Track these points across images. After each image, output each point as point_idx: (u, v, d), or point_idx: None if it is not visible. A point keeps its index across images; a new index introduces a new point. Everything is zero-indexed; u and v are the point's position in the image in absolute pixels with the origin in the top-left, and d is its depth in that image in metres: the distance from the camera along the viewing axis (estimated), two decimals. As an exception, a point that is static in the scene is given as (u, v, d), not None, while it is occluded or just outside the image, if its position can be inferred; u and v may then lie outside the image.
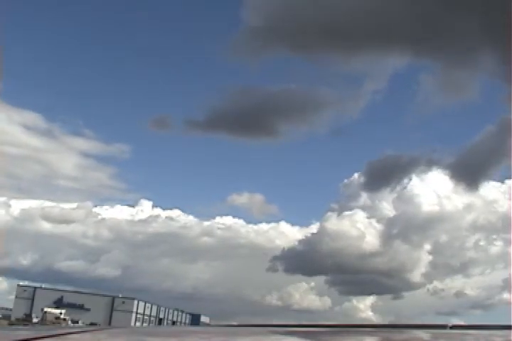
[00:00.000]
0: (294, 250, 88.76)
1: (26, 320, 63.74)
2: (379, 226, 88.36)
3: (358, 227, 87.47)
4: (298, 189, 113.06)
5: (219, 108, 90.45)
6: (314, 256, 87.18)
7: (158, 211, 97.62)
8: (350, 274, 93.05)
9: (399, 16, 64.53)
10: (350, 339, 2.68)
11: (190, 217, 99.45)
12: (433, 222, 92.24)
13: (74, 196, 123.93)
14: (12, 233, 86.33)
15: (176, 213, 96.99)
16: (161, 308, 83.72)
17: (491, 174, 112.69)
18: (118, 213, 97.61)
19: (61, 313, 61.88)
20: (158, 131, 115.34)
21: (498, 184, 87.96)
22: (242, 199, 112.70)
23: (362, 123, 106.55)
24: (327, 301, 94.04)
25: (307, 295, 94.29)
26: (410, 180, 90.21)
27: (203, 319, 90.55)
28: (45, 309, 63.13)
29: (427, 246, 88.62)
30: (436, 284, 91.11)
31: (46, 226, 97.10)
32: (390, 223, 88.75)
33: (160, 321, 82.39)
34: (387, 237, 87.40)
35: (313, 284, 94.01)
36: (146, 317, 78.55)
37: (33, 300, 75.01)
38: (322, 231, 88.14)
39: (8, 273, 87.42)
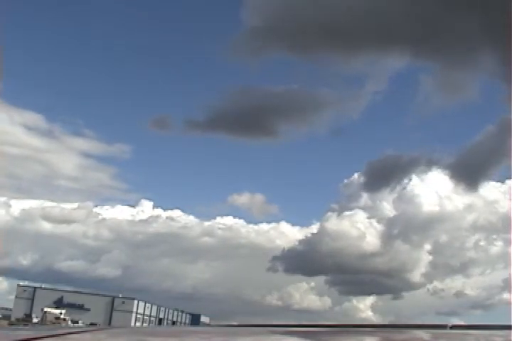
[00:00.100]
0: (294, 250, 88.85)
1: (26, 320, 63.77)
2: (379, 227, 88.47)
3: (358, 227, 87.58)
4: (298, 189, 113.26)
5: (219, 108, 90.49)
6: (314, 256, 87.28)
7: (158, 211, 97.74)
8: (350, 274, 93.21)
9: (399, 16, 64.52)
10: (350, 339, 2.68)
11: (191, 217, 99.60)
12: (433, 222, 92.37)
13: (74, 196, 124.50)
14: (12, 233, 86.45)
15: (176, 213, 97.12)
16: (161, 308, 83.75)
17: (491, 174, 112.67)
18: (118, 213, 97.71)
19: (61, 313, 61.84)
20: (158, 131, 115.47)
21: (498, 184, 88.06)
22: (242, 199, 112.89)
23: (362, 124, 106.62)
24: (327, 301, 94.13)
25: (307, 295, 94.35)
26: (410, 180, 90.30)
27: (203, 319, 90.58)
28: (45, 309, 63.05)
29: (427, 246, 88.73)
30: (437, 284, 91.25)
31: (46, 226, 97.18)
32: (390, 223, 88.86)
33: (160, 321, 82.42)
34: (387, 237, 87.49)
35: (313, 284, 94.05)
36: (146, 317, 78.57)
37: (33, 300, 75.02)
38: (322, 231, 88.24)
39: (8, 273, 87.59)
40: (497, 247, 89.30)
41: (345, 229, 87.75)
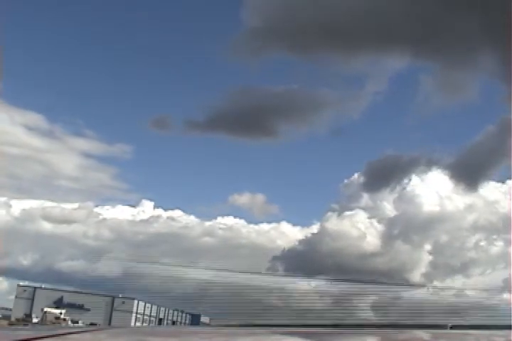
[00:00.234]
0: (294, 250, 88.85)
1: (26, 320, 63.79)
2: (379, 227, 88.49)
3: (359, 227, 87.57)
4: (298, 189, 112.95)
5: (219, 108, 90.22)
6: (314, 256, 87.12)
7: (159, 211, 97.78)
8: (350, 274, 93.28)
9: (399, 16, 64.38)
10: (350, 339, 2.68)
11: (192, 218, 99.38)
12: (433, 222, 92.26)
13: (75, 196, 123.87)
14: (12, 233, 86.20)
15: (177, 213, 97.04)
16: (161, 308, 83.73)
17: (491, 174, 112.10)
18: (119, 213, 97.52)
19: (61, 313, 61.84)
20: (158, 131, 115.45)
21: (499, 184, 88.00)
22: (243, 199, 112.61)
23: (362, 124, 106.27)
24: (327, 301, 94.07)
25: (307, 295, 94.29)
26: (410, 180, 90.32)
27: (203, 319, 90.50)
28: (45, 309, 63.06)
29: (428, 247, 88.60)
30: (437, 284, 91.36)
31: (47, 226, 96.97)
32: (390, 223, 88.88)
33: (160, 321, 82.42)
34: (387, 237, 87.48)
35: (313, 284, 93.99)
36: (146, 317, 78.56)
37: (33, 300, 75.06)
38: (322, 231, 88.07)
39: (8, 273, 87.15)
40: (497, 247, 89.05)
41: (345, 229, 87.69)
